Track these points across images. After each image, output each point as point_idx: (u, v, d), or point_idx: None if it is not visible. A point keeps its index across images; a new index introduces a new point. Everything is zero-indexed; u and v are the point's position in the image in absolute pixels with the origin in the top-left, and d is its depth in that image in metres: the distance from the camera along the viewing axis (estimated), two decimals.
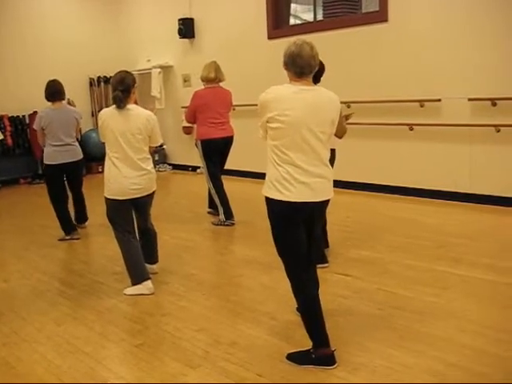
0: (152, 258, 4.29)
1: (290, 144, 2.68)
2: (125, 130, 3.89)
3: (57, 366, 2.95)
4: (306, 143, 2.70)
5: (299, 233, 2.81)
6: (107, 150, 3.96)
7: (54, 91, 5.39)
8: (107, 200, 3.97)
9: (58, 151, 5.37)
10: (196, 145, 5.79)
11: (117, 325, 3.47)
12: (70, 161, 5.45)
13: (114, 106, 3.92)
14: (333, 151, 4.28)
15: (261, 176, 8.21)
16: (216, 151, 5.73)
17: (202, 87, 5.80)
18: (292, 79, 2.77)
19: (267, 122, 2.72)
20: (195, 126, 5.89)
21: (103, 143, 4.03)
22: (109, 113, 3.96)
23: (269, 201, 2.78)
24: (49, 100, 5.42)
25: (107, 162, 3.96)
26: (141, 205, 4.07)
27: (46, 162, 5.44)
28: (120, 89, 3.86)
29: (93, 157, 8.91)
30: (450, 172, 6.16)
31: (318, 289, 3.05)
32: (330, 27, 7.04)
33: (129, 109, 3.93)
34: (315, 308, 2.84)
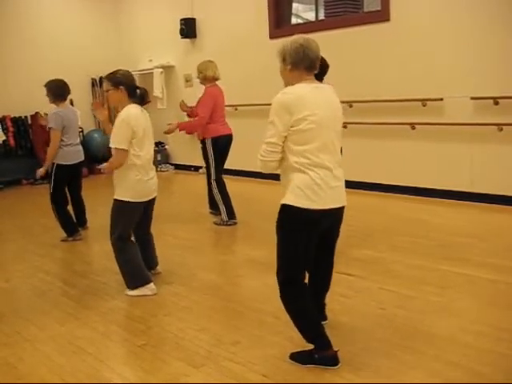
0: (154, 261, 4.28)
1: (321, 145, 2.57)
2: (150, 129, 3.88)
3: (59, 366, 2.95)
4: (332, 143, 2.63)
5: (314, 242, 2.74)
6: (137, 153, 3.72)
7: (65, 91, 5.38)
8: (129, 204, 3.78)
9: (73, 151, 5.40)
10: (203, 143, 5.75)
11: (119, 325, 3.47)
12: (80, 161, 5.52)
13: (137, 104, 3.81)
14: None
15: (262, 176, 8.19)
16: (223, 148, 5.76)
17: (204, 87, 5.79)
18: (302, 77, 2.63)
19: (292, 126, 2.54)
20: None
21: (126, 150, 3.71)
22: (136, 113, 3.76)
23: (294, 210, 2.59)
24: (58, 100, 5.32)
25: (132, 165, 3.73)
26: (151, 205, 4.04)
27: (61, 162, 5.31)
28: (137, 85, 3.84)
29: (95, 157, 8.91)
30: (452, 171, 6.15)
31: (327, 290, 3.08)
32: (332, 26, 7.03)
33: (142, 108, 3.91)
34: (314, 315, 2.82)
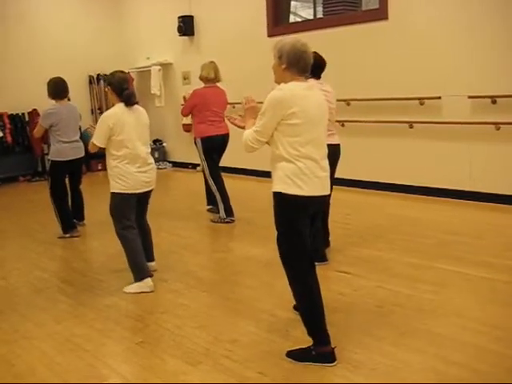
0: (150, 255, 4.28)
1: (309, 139, 2.76)
2: (138, 126, 4.02)
3: (57, 363, 2.95)
4: (320, 138, 2.84)
5: (307, 227, 2.88)
6: (121, 148, 3.92)
7: (62, 89, 5.41)
8: (120, 195, 3.95)
9: (68, 148, 5.40)
10: (195, 143, 5.83)
11: (117, 322, 3.47)
12: (78, 157, 5.52)
13: (124, 104, 3.97)
14: (338, 146, 4.28)
15: (260, 174, 8.13)
16: (215, 148, 5.81)
17: (201, 86, 5.83)
18: (294, 78, 2.80)
19: (282, 119, 2.72)
20: (193, 124, 5.94)
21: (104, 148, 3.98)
22: (119, 112, 3.96)
23: (285, 197, 2.78)
24: (55, 98, 5.37)
25: (119, 160, 3.94)
26: (145, 199, 4.14)
27: (55, 158, 5.39)
28: (127, 87, 4.01)
29: (93, 154, 8.86)
30: (449, 170, 6.15)
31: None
32: (330, 25, 7.03)
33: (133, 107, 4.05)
34: (319, 304, 2.85)
